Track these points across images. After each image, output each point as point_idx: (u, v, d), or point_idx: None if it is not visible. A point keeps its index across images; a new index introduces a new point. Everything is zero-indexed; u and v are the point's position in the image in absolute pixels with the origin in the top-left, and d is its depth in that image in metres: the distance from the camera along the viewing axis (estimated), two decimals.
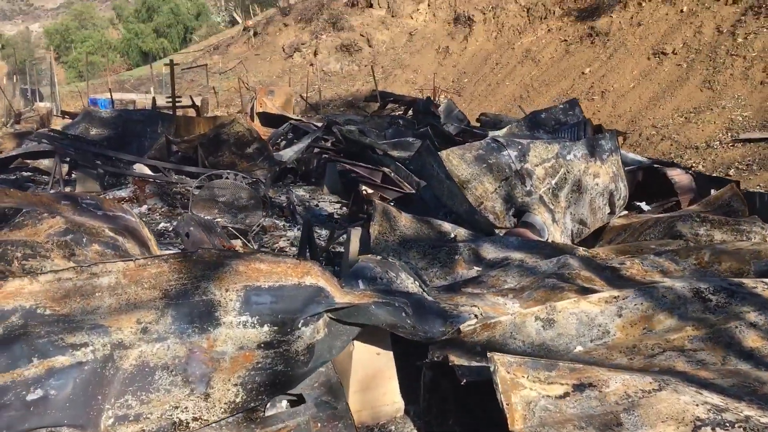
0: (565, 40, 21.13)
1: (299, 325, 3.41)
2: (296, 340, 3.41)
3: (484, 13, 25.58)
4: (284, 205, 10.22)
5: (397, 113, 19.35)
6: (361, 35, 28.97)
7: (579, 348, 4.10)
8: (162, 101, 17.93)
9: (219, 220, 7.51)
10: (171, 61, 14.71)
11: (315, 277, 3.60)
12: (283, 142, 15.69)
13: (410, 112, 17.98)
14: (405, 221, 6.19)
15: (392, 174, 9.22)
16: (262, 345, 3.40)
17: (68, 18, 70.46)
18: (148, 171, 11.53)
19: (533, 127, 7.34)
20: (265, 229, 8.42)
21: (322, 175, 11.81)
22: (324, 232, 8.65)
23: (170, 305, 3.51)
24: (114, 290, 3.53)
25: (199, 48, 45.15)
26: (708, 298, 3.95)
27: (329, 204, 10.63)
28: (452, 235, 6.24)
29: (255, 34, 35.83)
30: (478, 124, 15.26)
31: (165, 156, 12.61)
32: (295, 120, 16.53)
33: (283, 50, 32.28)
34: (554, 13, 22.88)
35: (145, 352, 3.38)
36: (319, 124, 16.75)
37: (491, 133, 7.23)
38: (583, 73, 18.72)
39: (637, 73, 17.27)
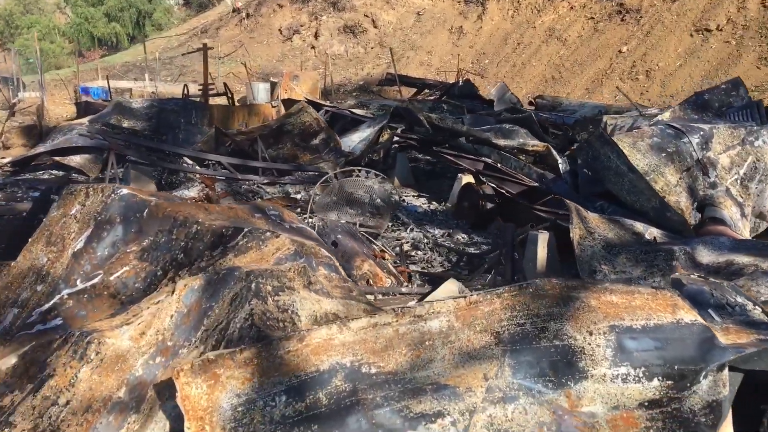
0: (592, 18, 20.47)
1: (700, 378, 2.66)
2: (690, 397, 2.67)
3: None
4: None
5: (425, 98, 18.53)
6: (365, 15, 27.94)
7: None
8: (179, 88, 16.79)
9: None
10: (204, 45, 13.68)
11: (688, 311, 2.86)
12: None
13: (444, 96, 17.18)
14: (596, 222, 5.48)
15: (499, 165, 8.47)
16: (647, 404, 2.66)
17: (11, 2, 67.19)
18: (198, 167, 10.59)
19: (698, 110, 6.65)
20: None
21: (391, 166, 11.01)
22: (437, 231, 7.89)
23: (509, 353, 2.74)
24: (447, 337, 2.74)
25: (182, 31, 43.52)
26: None
27: (414, 198, 9.85)
28: (645, 236, 5.54)
29: (247, 15, 34.51)
30: (532, 108, 14.55)
31: (213, 149, 11.67)
32: (330, 107, 15.62)
33: (281, 32, 31.09)
34: None
35: (496, 417, 2.62)
36: (358, 111, 15.88)
37: (656, 118, 6.53)
38: (620, 51, 18.09)
39: (681, 51, 16.70)
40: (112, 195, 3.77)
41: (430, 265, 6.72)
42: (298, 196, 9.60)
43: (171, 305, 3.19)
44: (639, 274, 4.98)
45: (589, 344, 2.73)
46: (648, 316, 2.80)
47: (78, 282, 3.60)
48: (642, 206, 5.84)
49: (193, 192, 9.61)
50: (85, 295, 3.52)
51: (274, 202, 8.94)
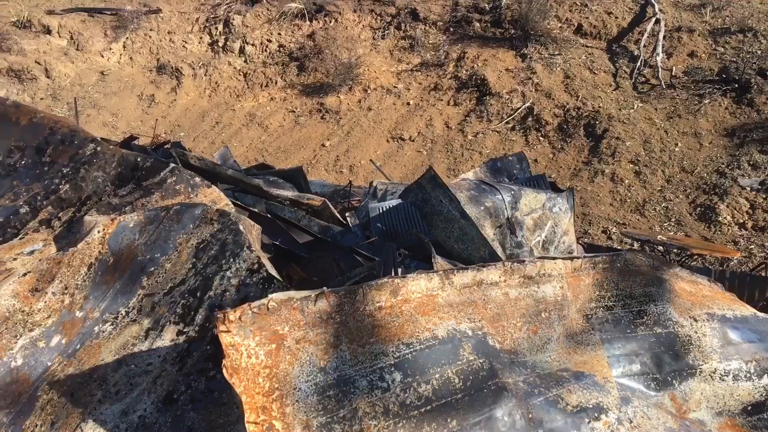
0: (293, 111, 21.02)
1: None
2: None
3: (194, 68, 24.17)
4: None
5: None
6: (36, 63, 24.72)
7: None
8: None
9: None
10: None
11: (748, 306, 2.51)
12: None
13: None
14: (441, 263, 5.08)
15: (268, 215, 7.66)
16: (750, 408, 2.19)
17: None
18: None
19: (496, 174, 6.77)
20: None
21: None
22: None
23: (610, 340, 2.07)
24: (560, 309, 1.96)
25: None
26: None
27: None
28: None
29: None
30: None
31: None
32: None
33: None
34: (276, 83, 22.66)
35: (622, 421, 1.90)
36: None
37: (462, 176, 6.44)
38: (323, 145, 18.70)
39: (380, 152, 17.87)
40: None
41: None
42: None
43: (91, 248, 1.84)
44: None
45: (695, 332, 2.20)
46: (729, 307, 2.40)
47: None
48: (470, 255, 5.59)
49: None
50: None
51: None
